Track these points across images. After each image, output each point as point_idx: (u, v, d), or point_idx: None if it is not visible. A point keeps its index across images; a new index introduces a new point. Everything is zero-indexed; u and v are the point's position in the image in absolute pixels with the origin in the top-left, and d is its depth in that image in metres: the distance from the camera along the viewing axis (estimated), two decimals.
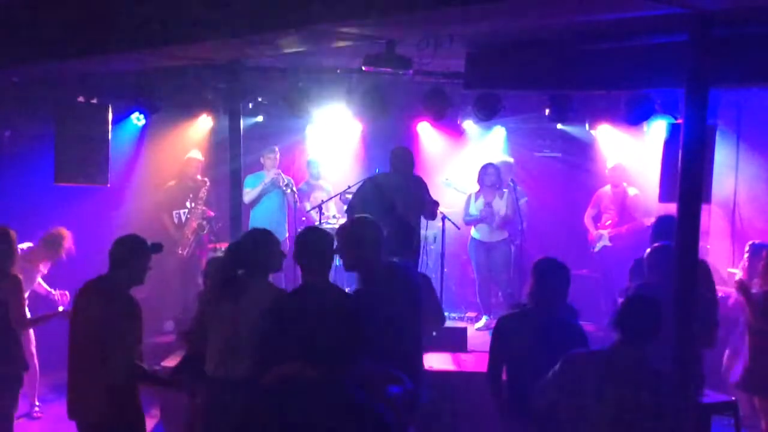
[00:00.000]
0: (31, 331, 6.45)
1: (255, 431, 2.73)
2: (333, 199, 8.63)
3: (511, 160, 9.14)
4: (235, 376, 4.08)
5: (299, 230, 5.91)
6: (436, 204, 7.12)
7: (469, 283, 9.12)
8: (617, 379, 3.58)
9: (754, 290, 5.85)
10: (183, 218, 8.50)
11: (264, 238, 4.40)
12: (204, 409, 4.25)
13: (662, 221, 5.86)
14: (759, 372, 5.77)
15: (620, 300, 4.88)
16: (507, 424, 4.36)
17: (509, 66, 6.61)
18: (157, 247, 4.57)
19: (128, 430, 4.43)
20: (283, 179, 8.52)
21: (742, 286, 5.86)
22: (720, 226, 8.14)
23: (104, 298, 4.37)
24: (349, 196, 7.72)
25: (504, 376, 4.39)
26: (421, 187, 7.03)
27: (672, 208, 5.09)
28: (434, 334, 5.86)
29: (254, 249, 4.31)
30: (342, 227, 4.59)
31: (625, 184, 8.57)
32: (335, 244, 4.28)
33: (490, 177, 8.34)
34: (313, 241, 4.17)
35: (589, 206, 8.80)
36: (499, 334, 4.41)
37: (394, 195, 6.51)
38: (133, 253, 4.44)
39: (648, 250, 5.40)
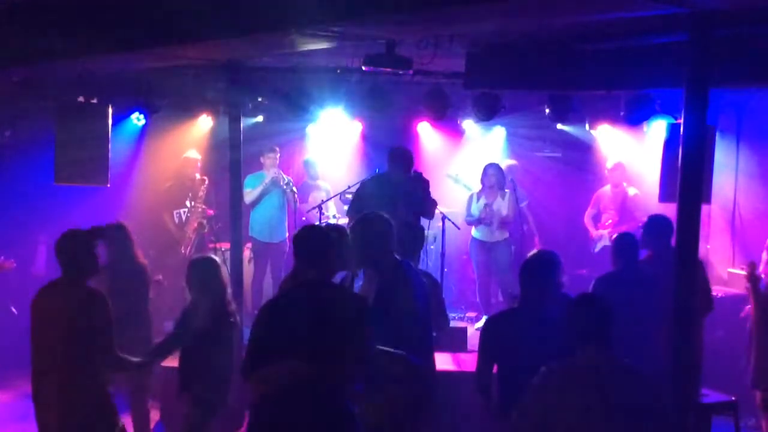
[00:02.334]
0: None
1: None
2: (333, 199, 8.64)
3: (514, 162, 9.15)
4: None
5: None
6: (434, 204, 7.11)
7: (469, 283, 9.12)
8: (599, 386, 3.48)
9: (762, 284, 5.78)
10: (183, 217, 8.51)
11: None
12: None
13: (654, 221, 5.87)
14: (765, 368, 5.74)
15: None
16: (501, 423, 4.34)
17: (509, 66, 6.60)
18: (97, 232, 4.51)
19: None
20: (284, 179, 8.52)
21: (752, 269, 5.73)
22: (720, 226, 8.14)
23: (61, 298, 4.34)
24: (349, 196, 7.71)
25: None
26: (421, 185, 7.02)
27: (671, 207, 5.10)
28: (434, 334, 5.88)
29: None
30: (353, 224, 4.57)
31: (624, 183, 8.57)
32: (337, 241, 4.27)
33: (491, 178, 8.35)
34: (312, 240, 4.14)
35: (589, 206, 8.80)
36: (486, 333, 4.40)
37: (394, 195, 6.50)
38: (75, 248, 4.40)
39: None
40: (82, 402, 4.29)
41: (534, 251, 4.47)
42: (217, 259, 5.26)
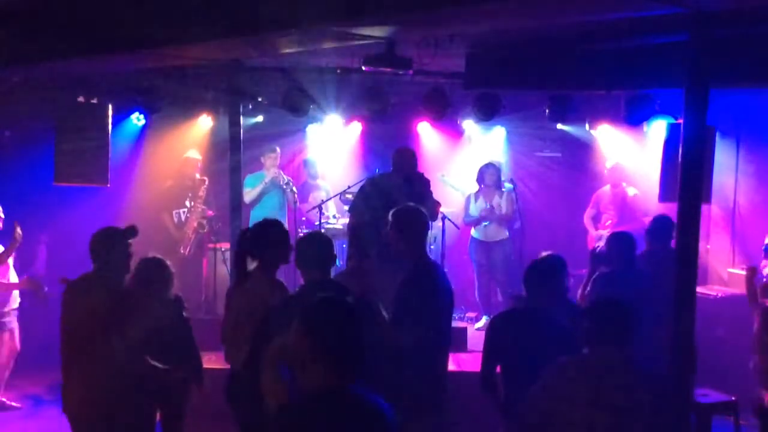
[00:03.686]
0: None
1: None
2: (333, 198, 8.64)
3: (502, 160, 9.18)
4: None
5: (299, 236, 5.92)
6: (437, 204, 7.12)
7: (469, 283, 9.12)
8: (607, 383, 3.52)
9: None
10: (183, 218, 8.51)
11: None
12: None
13: (658, 221, 5.87)
14: None
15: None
16: (506, 422, 4.36)
17: (509, 66, 6.61)
18: (132, 232, 4.53)
19: (122, 428, 4.42)
20: (283, 179, 8.53)
21: (752, 273, 5.62)
22: (720, 226, 8.14)
23: (90, 293, 4.36)
24: (349, 196, 7.71)
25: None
26: (423, 186, 7.02)
27: (671, 207, 5.10)
28: None
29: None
30: (397, 215, 4.58)
31: (624, 184, 8.57)
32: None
33: (490, 177, 8.36)
34: (313, 250, 4.17)
35: (589, 206, 8.80)
36: (490, 334, 4.42)
37: (396, 195, 6.50)
38: (107, 245, 4.43)
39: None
40: (108, 397, 4.32)
41: (543, 254, 4.47)
42: (167, 262, 5.04)
